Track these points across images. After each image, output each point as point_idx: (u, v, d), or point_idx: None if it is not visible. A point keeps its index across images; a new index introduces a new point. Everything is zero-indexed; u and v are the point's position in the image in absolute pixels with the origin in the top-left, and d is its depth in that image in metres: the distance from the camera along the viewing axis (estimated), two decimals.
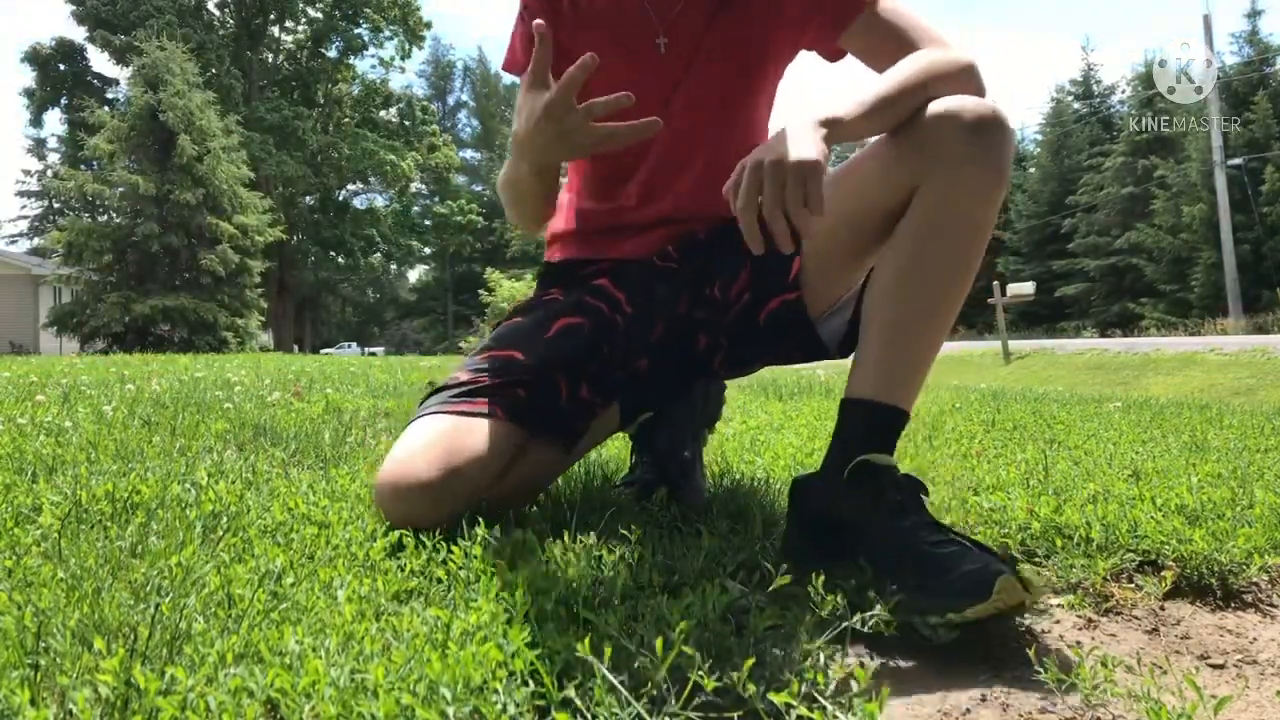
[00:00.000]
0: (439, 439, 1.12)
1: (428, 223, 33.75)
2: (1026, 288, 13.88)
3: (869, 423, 1.04)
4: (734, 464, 1.76)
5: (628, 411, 1.37)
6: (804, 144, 0.95)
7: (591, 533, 1.10)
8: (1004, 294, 13.13)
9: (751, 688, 0.71)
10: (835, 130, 1.01)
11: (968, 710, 0.78)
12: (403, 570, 0.95)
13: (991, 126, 1.01)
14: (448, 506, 1.08)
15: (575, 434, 1.24)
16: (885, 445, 1.03)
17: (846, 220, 1.13)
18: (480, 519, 1.11)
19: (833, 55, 1.25)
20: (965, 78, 1.11)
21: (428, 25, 30.33)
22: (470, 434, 1.12)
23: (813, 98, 1.16)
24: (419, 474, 1.08)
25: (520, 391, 1.18)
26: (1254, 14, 27.31)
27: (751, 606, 0.88)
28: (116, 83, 28.17)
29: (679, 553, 1.05)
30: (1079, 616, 1.02)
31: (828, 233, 1.16)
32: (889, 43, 1.17)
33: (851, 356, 1.27)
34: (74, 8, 25.16)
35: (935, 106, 1.03)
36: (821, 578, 0.97)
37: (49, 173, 21.72)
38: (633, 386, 1.31)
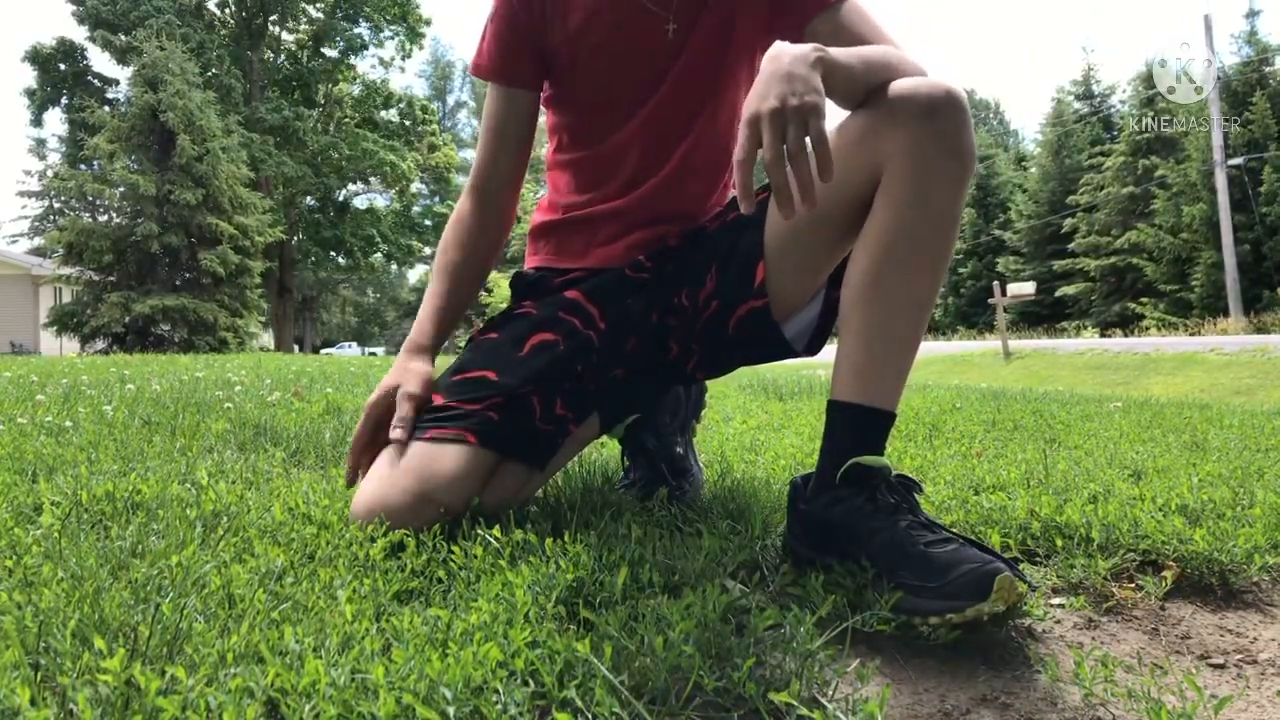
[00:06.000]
0: (410, 466, 1.11)
1: (428, 223, 33.68)
2: (1027, 287, 13.90)
3: (855, 426, 1.04)
4: (734, 464, 1.76)
5: (607, 420, 1.36)
6: (800, 82, 0.92)
7: (592, 533, 1.10)
8: (1004, 294, 13.15)
9: (752, 688, 0.72)
10: (827, 63, 0.97)
11: (968, 710, 0.78)
12: (403, 570, 0.95)
13: (947, 107, 0.99)
14: (422, 528, 1.08)
15: (547, 455, 1.23)
16: (874, 446, 1.03)
17: (811, 216, 1.11)
18: (480, 519, 1.12)
19: None
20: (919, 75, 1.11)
21: (427, 22, 30.26)
22: (442, 460, 1.12)
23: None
24: (391, 501, 1.08)
25: (493, 415, 1.17)
26: (1253, 14, 27.38)
27: (751, 606, 0.88)
28: (117, 83, 28.14)
29: (679, 553, 1.05)
30: (1079, 616, 1.02)
31: (792, 233, 1.16)
32: (853, 44, 1.16)
33: (822, 353, 1.27)
34: (75, 7, 25.15)
35: (893, 88, 1.02)
36: (821, 578, 0.97)
37: (49, 172, 21.66)
38: (611, 395, 1.31)
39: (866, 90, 1.05)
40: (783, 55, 0.96)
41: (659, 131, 1.29)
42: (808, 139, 0.91)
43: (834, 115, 1.12)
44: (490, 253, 1.37)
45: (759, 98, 0.93)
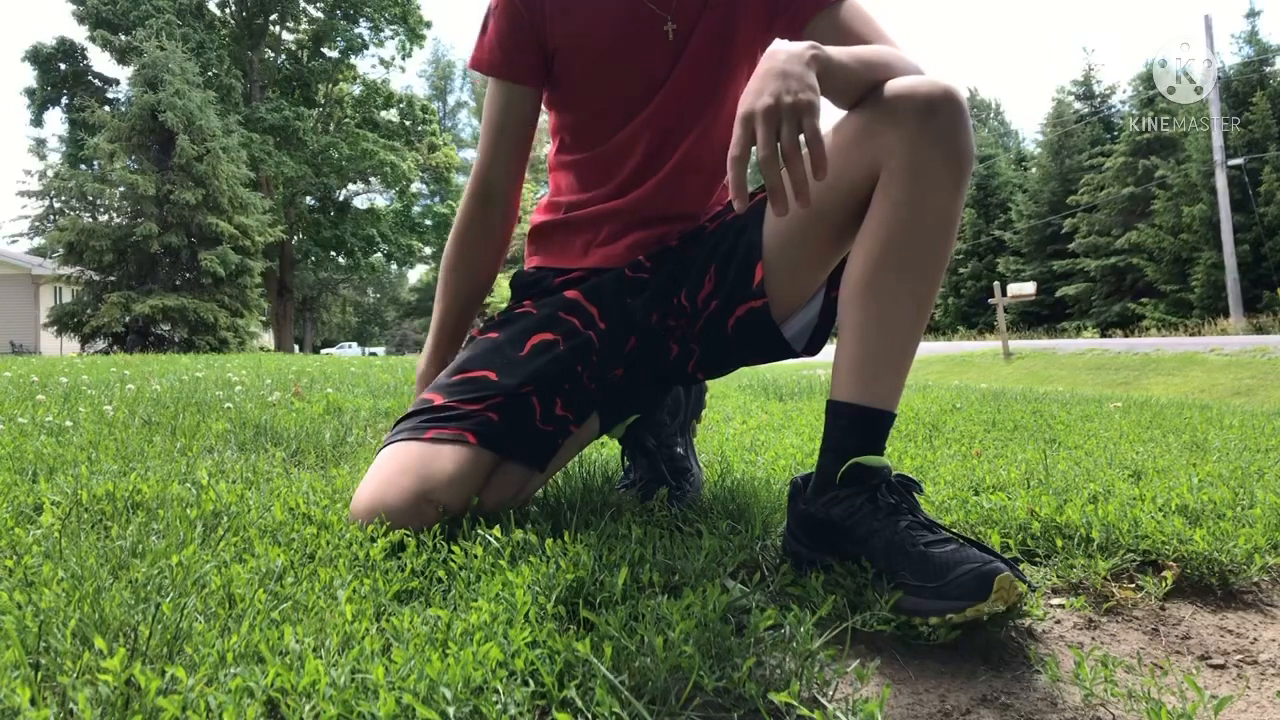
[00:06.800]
0: (409, 466, 1.11)
1: (428, 222, 33.66)
2: (1027, 288, 13.89)
3: (855, 426, 1.03)
4: (734, 464, 1.76)
5: (607, 420, 1.36)
6: (795, 80, 0.92)
7: (592, 533, 1.10)
8: (1004, 294, 13.15)
9: (752, 688, 0.72)
10: (823, 61, 0.97)
11: (968, 710, 0.78)
12: (403, 570, 0.95)
13: (945, 106, 0.99)
14: (422, 528, 1.08)
15: (547, 455, 1.23)
16: (873, 446, 1.03)
17: (809, 215, 1.12)
18: (481, 519, 1.12)
19: None
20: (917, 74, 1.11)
21: (428, 24, 30.26)
22: (441, 460, 1.12)
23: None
24: (390, 501, 1.08)
25: (493, 415, 1.17)
26: (1253, 14, 27.40)
27: (751, 606, 0.88)
28: (117, 82, 28.10)
29: (679, 553, 1.05)
30: (1079, 616, 1.02)
31: (790, 233, 1.16)
32: (851, 44, 1.16)
33: (822, 353, 1.27)
34: (75, 7, 25.12)
35: (891, 86, 1.02)
36: (821, 578, 0.97)
37: (49, 172, 21.62)
38: (611, 395, 1.31)
39: (863, 89, 1.05)
40: (778, 53, 0.96)
41: (661, 130, 1.29)
42: (802, 137, 0.91)
43: (832, 115, 1.12)
44: (494, 256, 1.37)
45: (754, 95, 0.93)
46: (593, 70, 1.29)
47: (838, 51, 1.02)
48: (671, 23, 1.25)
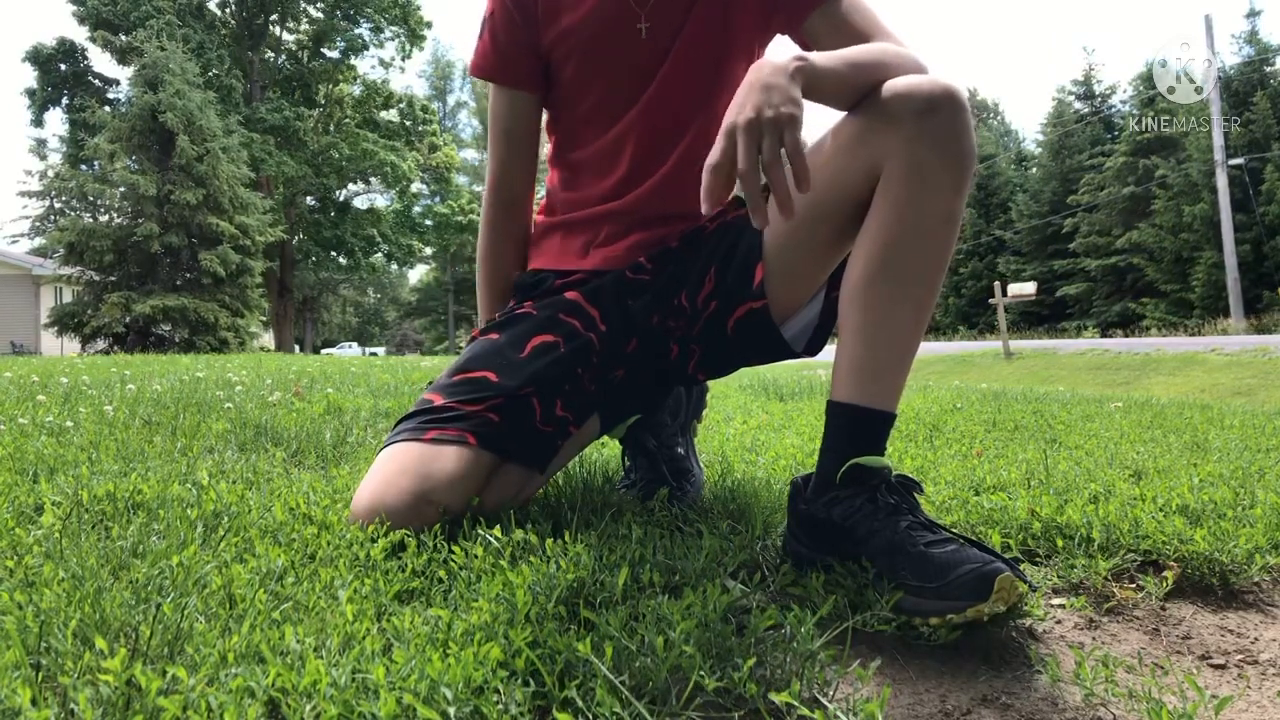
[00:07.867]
0: (409, 467, 1.11)
1: (429, 223, 33.70)
2: (1027, 288, 13.88)
3: (854, 426, 1.03)
4: (734, 464, 1.76)
5: (608, 420, 1.36)
6: (777, 94, 0.93)
7: (592, 533, 1.10)
8: (1005, 294, 13.15)
9: (752, 688, 0.72)
10: (808, 73, 0.97)
11: (968, 710, 0.78)
12: (404, 570, 0.95)
13: (946, 106, 0.99)
14: (423, 528, 1.08)
15: (547, 456, 1.24)
16: (874, 447, 1.03)
17: (809, 217, 1.11)
18: (481, 519, 1.12)
19: (805, 47, 1.24)
20: (918, 71, 1.10)
21: (428, 25, 30.29)
22: (441, 460, 1.12)
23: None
24: (390, 502, 1.08)
25: (493, 416, 1.17)
26: (1253, 14, 27.42)
27: (752, 606, 0.88)
28: (117, 83, 28.10)
29: (679, 553, 1.05)
30: (1080, 616, 1.02)
31: (791, 234, 1.16)
32: (850, 39, 1.16)
33: (823, 354, 1.28)
34: (75, 7, 25.13)
35: (889, 86, 1.02)
36: (822, 578, 0.97)
37: (50, 173, 21.61)
38: (611, 395, 1.31)
39: (860, 92, 1.04)
40: (763, 66, 0.97)
41: (653, 130, 1.29)
42: (784, 150, 0.91)
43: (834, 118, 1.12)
44: (521, 250, 1.41)
45: (736, 109, 0.94)
46: (580, 68, 1.29)
47: (827, 58, 1.01)
48: (644, 22, 1.25)
